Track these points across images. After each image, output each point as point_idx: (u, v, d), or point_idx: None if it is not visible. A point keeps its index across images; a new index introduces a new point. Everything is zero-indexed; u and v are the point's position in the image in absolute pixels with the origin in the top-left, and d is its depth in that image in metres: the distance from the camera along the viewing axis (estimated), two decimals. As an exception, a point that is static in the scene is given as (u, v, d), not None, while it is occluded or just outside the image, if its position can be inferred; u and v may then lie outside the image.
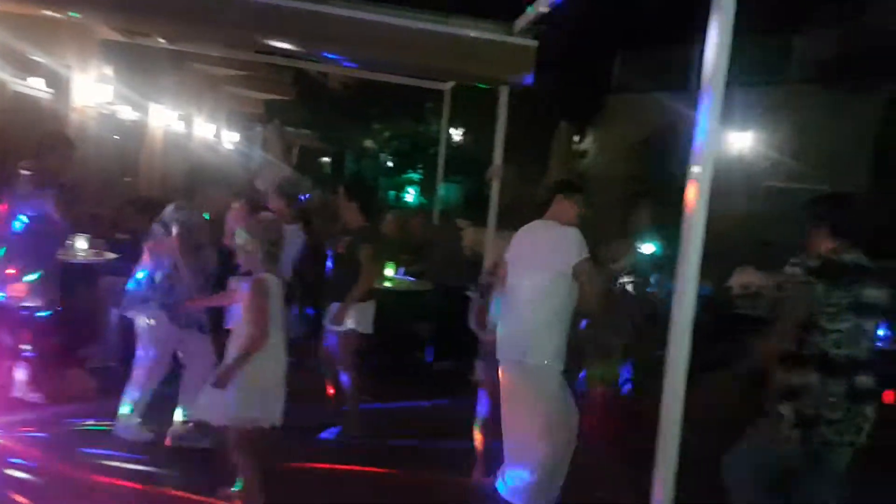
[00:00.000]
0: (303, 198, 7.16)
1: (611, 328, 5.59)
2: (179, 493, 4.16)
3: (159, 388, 4.82)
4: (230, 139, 15.54)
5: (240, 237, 3.88)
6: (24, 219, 4.81)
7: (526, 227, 4.36)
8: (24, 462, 4.29)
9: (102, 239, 6.77)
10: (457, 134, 22.89)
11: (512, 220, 5.42)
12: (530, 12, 5.26)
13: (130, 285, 4.73)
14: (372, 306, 5.27)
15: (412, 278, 7.58)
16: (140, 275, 4.71)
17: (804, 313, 3.42)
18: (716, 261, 3.88)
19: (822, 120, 14.79)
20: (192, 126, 12.61)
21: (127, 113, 9.54)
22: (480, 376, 4.65)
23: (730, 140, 16.07)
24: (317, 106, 21.62)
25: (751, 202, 15.80)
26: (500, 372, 4.23)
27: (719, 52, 2.77)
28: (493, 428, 4.53)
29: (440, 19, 5.65)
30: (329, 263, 5.37)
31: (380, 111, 23.14)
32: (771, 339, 3.58)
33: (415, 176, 24.55)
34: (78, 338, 6.05)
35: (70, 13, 5.86)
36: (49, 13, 5.89)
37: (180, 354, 4.80)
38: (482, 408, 4.69)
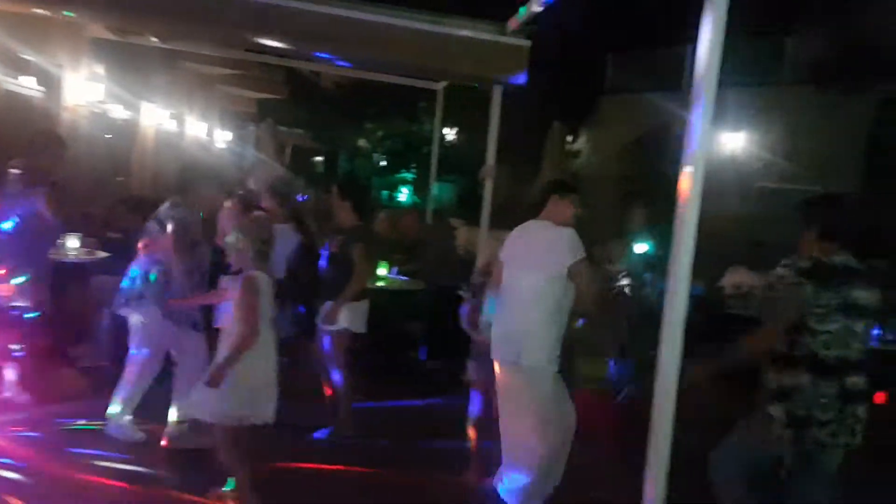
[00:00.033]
0: (301, 198, 7.14)
1: (607, 328, 5.61)
2: (171, 493, 4.15)
3: (151, 386, 4.80)
4: (222, 138, 15.51)
5: (231, 236, 3.88)
6: (15, 218, 4.78)
7: (521, 226, 4.35)
8: (14, 462, 4.27)
9: (94, 238, 6.75)
10: (450, 133, 22.90)
11: (505, 219, 5.42)
12: (523, 12, 5.26)
13: (124, 283, 4.72)
14: (365, 305, 5.26)
15: (405, 278, 7.57)
16: (134, 272, 4.69)
17: (793, 314, 3.43)
18: (708, 261, 3.89)
19: (814, 121, 14.85)
20: (184, 125, 12.58)
21: (118, 112, 9.52)
22: (472, 376, 4.65)
23: (723, 141, 16.13)
24: (310, 105, 21.61)
25: (743, 203, 15.85)
26: (495, 372, 4.23)
27: (711, 53, 2.77)
28: (486, 427, 4.54)
29: (433, 19, 5.65)
30: (323, 263, 5.36)
31: (373, 110, 23.13)
32: (757, 338, 3.60)
33: (408, 175, 24.52)
34: (69, 337, 6.03)
35: (64, 12, 5.84)
36: (40, 12, 5.87)
37: (173, 353, 4.78)
38: (474, 407, 4.69)
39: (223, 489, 3.96)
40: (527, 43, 5.80)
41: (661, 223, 3.90)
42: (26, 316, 4.97)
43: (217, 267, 4.83)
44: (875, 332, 5.61)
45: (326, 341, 5.21)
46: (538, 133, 16.95)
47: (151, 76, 10.37)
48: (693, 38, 2.84)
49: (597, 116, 21.04)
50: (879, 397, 4.41)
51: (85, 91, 8.19)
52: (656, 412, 2.88)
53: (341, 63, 7.72)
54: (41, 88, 7.35)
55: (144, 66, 9.71)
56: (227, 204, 5.26)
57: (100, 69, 8.56)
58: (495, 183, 6.57)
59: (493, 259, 4.53)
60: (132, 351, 4.73)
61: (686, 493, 3.19)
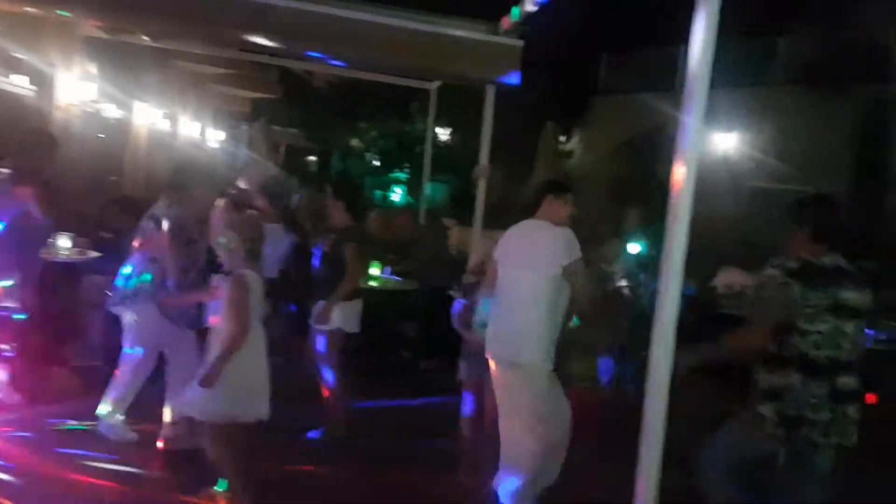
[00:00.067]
0: (298, 198, 7.12)
1: (600, 328, 5.62)
2: (163, 494, 4.14)
3: (143, 385, 4.78)
4: (215, 138, 15.48)
5: (221, 235, 3.89)
6: (2, 221, 4.76)
7: (516, 226, 4.34)
8: (5, 463, 4.24)
9: (86, 238, 6.73)
10: (443, 133, 22.90)
11: (498, 219, 5.43)
12: (516, 13, 5.27)
13: (119, 282, 4.70)
14: (358, 305, 5.26)
15: (398, 277, 7.57)
16: (129, 271, 4.68)
17: (779, 314, 3.45)
18: (700, 261, 3.90)
19: (806, 121, 14.90)
20: (177, 124, 12.55)
21: (111, 111, 9.48)
22: (464, 376, 4.66)
23: (715, 141, 16.17)
24: (303, 105, 21.60)
25: (735, 203, 15.91)
26: (491, 371, 4.22)
27: (703, 53, 2.79)
28: (478, 427, 4.54)
29: (426, 18, 5.66)
30: (315, 262, 5.36)
31: (366, 110, 23.12)
32: (740, 337, 3.63)
33: (401, 175, 24.52)
34: (61, 337, 6.01)
35: (59, 12, 5.82)
36: (32, 10, 5.85)
37: (166, 352, 4.77)
38: (467, 407, 4.69)
39: (215, 489, 3.95)
40: (520, 43, 5.81)
41: (654, 223, 3.91)
42: (15, 317, 4.95)
43: (210, 265, 4.82)
44: (867, 332, 5.64)
45: (319, 341, 5.21)
46: (531, 133, 16.98)
47: (144, 75, 10.34)
48: (686, 39, 2.85)
49: (590, 116, 21.08)
50: (870, 398, 4.43)
51: (77, 90, 8.15)
52: (648, 411, 2.89)
53: (334, 62, 7.72)
54: (33, 87, 7.32)
55: (137, 65, 9.68)
56: (219, 203, 5.25)
57: (92, 68, 8.53)
58: (488, 183, 6.59)
59: (486, 259, 4.54)
60: (126, 350, 4.71)
61: (676, 491, 3.20)
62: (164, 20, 5.75)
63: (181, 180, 4.82)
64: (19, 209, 4.79)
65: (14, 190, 4.78)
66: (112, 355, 4.91)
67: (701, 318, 6.36)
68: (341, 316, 5.12)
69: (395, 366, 7.15)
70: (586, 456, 4.54)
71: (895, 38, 14.72)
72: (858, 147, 14.46)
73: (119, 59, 8.91)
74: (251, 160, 14.34)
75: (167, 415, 4.66)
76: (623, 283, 5.81)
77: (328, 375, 5.21)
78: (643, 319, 3.15)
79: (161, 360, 4.79)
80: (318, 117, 22.68)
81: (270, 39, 5.82)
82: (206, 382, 3.70)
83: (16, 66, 7.05)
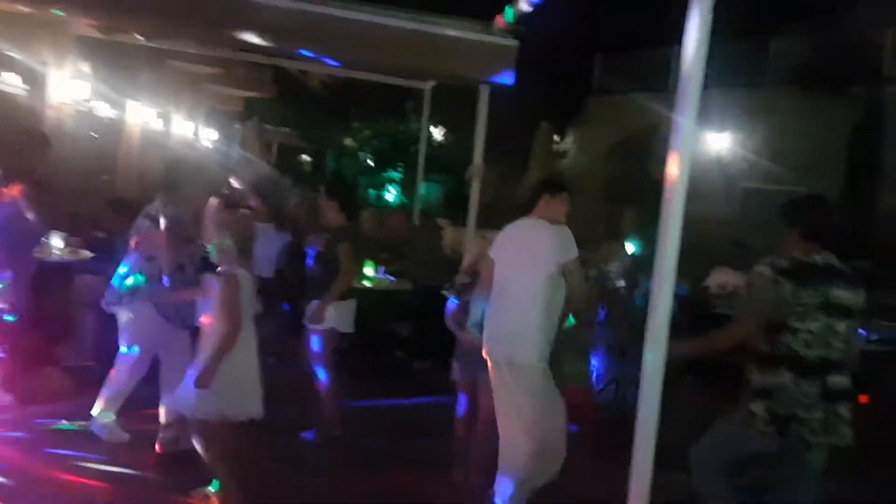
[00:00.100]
0: (296, 199, 7.12)
1: (606, 327, 5.63)
2: (156, 494, 4.13)
3: (136, 386, 4.77)
4: (209, 137, 15.44)
5: (213, 234, 3.90)
6: None
7: (512, 225, 4.34)
8: (-3, 463, 4.24)
9: (79, 237, 6.71)
10: (437, 133, 22.88)
11: (492, 219, 5.43)
12: (510, 13, 5.28)
13: (115, 280, 4.68)
14: (352, 305, 5.26)
15: (392, 277, 7.57)
16: (125, 269, 4.66)
17: (768, 312, 3.46)
18: (693, 261, 3.91)
19: (799, 122, 14.94)
20: (170, 124, 12.51)
21: (104, 110, 9.46)
22: (457, 376, 4.65)
23: (708, 141, 16.20)
24: (297, 104, 21.54)
25: (728, 203, 15.94)
26: (489, 369, 4.22)
27: (696, 53, 2.79)
28: (472, 428, 4.54)
29: (420, 18, 5.65)
30: (309, 262, 5.36)
31: (360, 109, 23.07)
32: (728, 333, 3.64)
33: (395, 175, 24.48)
34: (53, 336, 5.98)
35: (54, 11, 5.80)
36: (25, 9, 5.83)
37: (160, 351, 4.74)
38: (460, 407, 4.69)
39: (208, 489, 3.94)
40: (514, 43, 5.82)
41: (648, 224, 3.92)
42: (6, 318, 4.93)
43: (203, 264, 4.81)
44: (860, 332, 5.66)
45: (313, 341, 5.20)
46: (525, 133, 17.00)
47: (137, 74, 10.31)
48: (680, 39, 2.86)
49: (584, 117, 21.10)
50: (861, 398, 4.45)
51: (70, 89, 8.13)
52: (641, 411, 2.90)
53: (328, 62, 7.71)
54: (25, 86, 7.29)
55: (130, 64, 9.65)
56: (212, 202, 5.24)
57: (85, 67, 8.50)
58: (482, 183, 6.59)
59: (480, 258, 4.53)
60: (122, 349, 4.69)
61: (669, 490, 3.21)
62: (158, 18, 5.73)
63: (176, 179, 4.81)
64: (11, 209, 4.77)
65: (6, 190, 4.76)
66: (104, 355, 4.89)
67: (694, 318, 6.38)
68: (335, 316, 5.12)
69: (388, 366, 7.15)
70: (583, 456, 4.55)
71: (888, 39, 14.79)
72: (851, 148, 14.51)
73: (112, 58, 8.88)
74: (244, 159, 14.32)
75: (163, 417, 4.63)
76: (621, 282, 5.82)
77: (322, 375, 5.20)
78: (641, 319, 3.15)
79: (155, 361, 4.78)
80: (312, 117, 22.62)
81: (264, 38, 5.81)
82: (202, 383, 3.70)
83: (8, 65, 7.03)
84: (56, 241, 6.23)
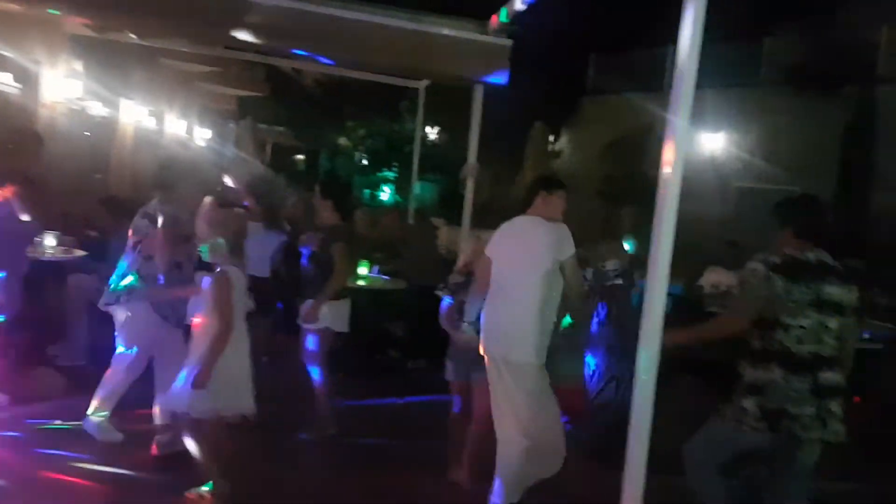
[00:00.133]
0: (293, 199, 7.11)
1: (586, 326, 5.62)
2: (150, 493, 4.12)
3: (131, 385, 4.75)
4: (202, 136, 15.41)
5: (205, 233, 3.91)
6: None
7: (509, 222, 4.33)
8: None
9: (72, 236, 6.69)
10: (432, 132, 22.88)
11: (486, 219, 5.43)
12: (505, 12, 5.28)
13: (113, 280, 4.66)
14: (346, 304, 5.26)
15: (386, 277, 7.57)
16: (122, 269, 4.64)
17: (759, 306, 3.48)
18: (687, 260, 3.92)
19: (793, 122, 14.99)
20: (163, 123, 12.49)
21: (97, 109, 9.43)
22: (451, 376, 4.65)
23: (702, 141, 16.23)
24: (290, 103, 21.53)
25: (722, 203, 15.99)
26: (486, 367, 4.22)
27: (690, 53, 2.80)
28: (465, 428, 4.54)
29: (415, 17, 5.65)
30: (304, 261, 5.35)
31: (354, 109, 23.06)
32: (717, 324, 3.67)
33: (390, 174, 24.48)
34: (46, 336, 5.97)
35: (50, 10, 5.78)
36: (17, 7, 5.81)
37: (155, 351, 4.72)
38: (454, 407, 4.69)
39: (202, 489, 3.94)
40: (508, 42, 5.82)
41: (643, 223, 3.93)
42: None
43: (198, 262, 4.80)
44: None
45: (307, 340, 5.20)
46: (520, 133, 17.02)
47: (130, 73, 10.29)
48: (674, 40, 2.86)
49: (578, 116, 21.13)
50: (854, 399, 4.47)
51: (63, 88, 8.09)
52: (635, 410, 2.91)
53: (322, 60, 7.71)
54: (18, 85, 7.26)
55: (123, 62, 9.62)
56: (206, 201, 5.23)
57: (78, 66, 8.47)
58: (477, 182, 6.59)
59: (475, 257, 4.53)
60: (120, 349, 4.67)
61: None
62: (151, 17, 5.72)
63: (173, 178, 4.80)
64: (4, 208, 4.74)
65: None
66: (97, 355, 4.87)
67: (687, 317, 6.39)
68: (329, 315, 5.12)
69: (382, 365, 7.15)
70: (579, 455, 4.56)
71: (881, 39, 14.84)
72: (845, 148, 14.56)
73: (105, 57, 8.86)
74: (238, 158, 14.31)
75: (159, 419, 4.61)
76: (619, 281, 5.82)
77: (316, 374, 5.20)
78: (639, 318, 3.17)
79: (149, 360, 4.76)
80: (306, 116, 22.61)
81: (258, 37, 5.80)
82: (199, 383, 3.72)
83: (0, 64, 6.99)
84: (49, 241, 6.21)
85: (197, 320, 3.95)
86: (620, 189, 15.45)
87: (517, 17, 5.63)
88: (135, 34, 7.60)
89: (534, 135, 17.22)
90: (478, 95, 6.40)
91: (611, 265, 5.64)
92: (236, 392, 3.85)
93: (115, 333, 4.67)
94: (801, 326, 3.45)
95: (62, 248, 6.37)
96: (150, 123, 11.72)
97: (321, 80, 21.41)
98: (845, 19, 15.15)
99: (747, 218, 12.74)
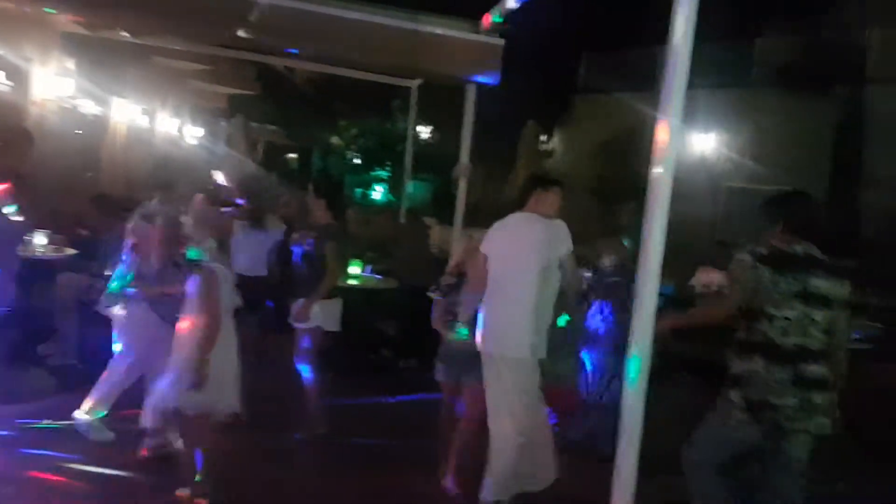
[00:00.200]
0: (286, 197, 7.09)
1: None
2: (139, 493, 4.11)
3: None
4: (194, 134, 15.36)
5: (193, 230, 3.93)
6: None
7: (505, 220, 4.34)
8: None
9: (63, 235, 6.66)
10: (424, 131, 22.86)
11: (479, 218, 5.42)
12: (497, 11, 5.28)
13: (113, 284, 4.63)
14: (338, 304, 5.25)
15: (378, 276, 7.57)
16: (122, 269, 4.62)
17: (745, 295, 3.51)
18: (678, 260, 3.94)
19: (783, 122, 15.04)
20: (155, 121, 12.44)
21: (89, 107, 9.39)
22: (441, 377, 4.65)
23: (693, 141, 16.27)
24: (282, 101, 21.46)
25: (713, 203, 16.03)
26: (483, 364, 4.22)
27: (681, 53, 2.81)
28: (455, 428, 4.54)
29: (407, 16, 5.65)
30: (296, 260, 5.34)
31: (346, 107, 23.03)
32: (704, 310, 3.71)
33: (382, 173, 24.46)
34: (37, 335, 5.94)
35: (46, 9, 5.75)
36: (8, 4, 5.78)
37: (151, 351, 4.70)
38: (444, 408, 4.69)
39: (191, 488, 3.93)
40: (500, 41, 5.82)
41: (635, 223, 3.94)
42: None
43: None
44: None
45: (298, 339, 5.19)
46: (512, 132, 17.04)
47: (122, 71, 10.24)
48: (666, 39, 2.87)
49: (570, 116, 21.15)
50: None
51: (54, 86, 8.06)
52: (626, 411, 2.91)
53: (314, 59, 7.71)
54: (9, 83, 7.23)
55: (115, 61, 9.58)
56: (197, 199, 5.22)
57: (70, 64, 8.43)
58: (469, 182, 6.59)
59: (468, 257, 4.54)
60: (120, 351, 4.65)
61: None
62: (145, 15, 5.71)
63: (170, 178, 4.80)
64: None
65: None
66: (88, 354, 4.85)
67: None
68: (321, 314, 5.11)
69: (374, 364, 7.14)
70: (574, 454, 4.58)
71: (872, 39, 14.90)
72: (836, 148, 14.62)
73: (97, 55, 8.81)
74: (230, 157, 14.28)
75: (149, 420, 4.58)
76: (616, 279, 5.83)
77: (307, 373, 5.20)
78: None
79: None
80: (298, 114, 22.54)
81: (250, 35, 5.79)
82: (197, 381, 3.74)
83: (-9, 61, 6.97)
84: (39, 239, 6.18)
85: (183, 323, 3.94)
86: (612, 188, 15.46)
87: (509, 16, 5.64)
88: (127, 32, 7.56)
89: (526, 134, 17.25)
90: (470, 94, 6.40)
91: (608, 262, 5.65)
92: (223, 389, 3.86)
93: (114, 333, 4.66)
94: (787, 318, 3.49)
95: (53, 246, 6.35)
96: (141, 122, 11.68)
97: (313, 78, 21.35)
98: (836, 20, 15.21)
99: (738, 218, 12.79)
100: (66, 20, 7.49)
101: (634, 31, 16.21)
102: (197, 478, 3.91)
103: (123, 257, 4.65)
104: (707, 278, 7.23)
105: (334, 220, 5.33)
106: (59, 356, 5.95)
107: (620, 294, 5.80)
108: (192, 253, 3.94)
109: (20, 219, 4.81)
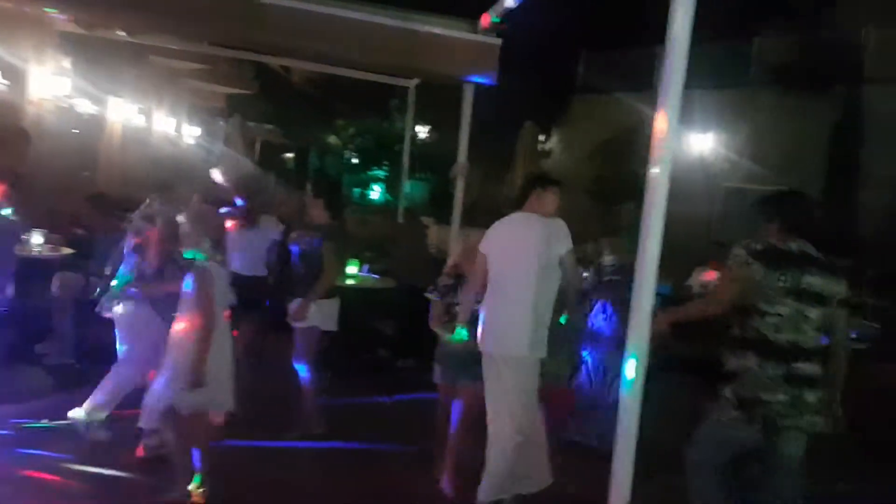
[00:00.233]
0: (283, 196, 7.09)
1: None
2: (137, 492, 4.11)
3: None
4: (191, 134, 15.35)
5: (188, 229, 3.93)
6: None
7: (505, 219, 4.34)
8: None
9: (59, 234, 6.65)
10: (422, 131, 22.86)
11: (476, 218, 5.42)
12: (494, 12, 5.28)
13: (116, 284, 4.62)
14: (335, 303, 5.25)
15: (376, 276, 7.56)
16: (123, 270, 4.61)
17: (740, 290, 3.52)
18: (675, 260, 3.94)
19: (781, 122, 15.05)
20: (151, 120, 12.43)
21: (85, 106, 9.37)
22: (438, 379, 4.64)
23: (691, 141, 16.29)
24: (280, 101, 21.45)
25: (711, 203, 16.05)
26: (483, 363, 4.22)
27: (679, 53, 2.81)
28: (451, 429, 4.53)
29: (405, 16, 5.65)
30: (294, 259, 5.34)
31: (344, 107, 23.02)
32: (699, 304, 3.71)
33: (380, 173, 24.46)
34: (33, 334, 5.93)
35: (46, 9, 5.74)
36: (5, 4, 5.77)
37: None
38: (441, 410, 4.69)
39: (188, 487, 3.93)
40: (498, 41, 5.82)
41: (633, 223, 3.94)
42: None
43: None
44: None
45: (295, 338, 5.19)
46: (510, 132, 17.01)
47: (119, 70, 10.23)
48: (663, 39, 2.87)
49: (568, 116, 21.16)
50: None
51: (51, 85, 8.04)
52: (622, 409, 2.91)
53: (312, 59, 7.70)
54: (6, 82, 7.21)
55: (112, 60, 9.56)
56: (194, 199, 5.21)
57: (66, 63, 8.42)
58: (467, 181, 6.59)
59: (464, 258, 4.54)
60: (124, 352, 4.63)
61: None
62: (142, 14, 5.70)
63: (171, 178, 4.79)
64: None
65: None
66: (84, 353, 4.84)
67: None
68: (318, 314, 5.11)
69: (371, 364, 7.14)
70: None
71: (869, 39, 14.92)
72: (833, 147, 14.64)
73: (93, 54, 8.80)
74: (227, 156, 14.25)
75: (147, 421, 4.57)
76: (616, 277, 5.84)
77: (304, 373, 5.19)
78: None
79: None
80: (295, 114, 22.53)
81: (247, 35, 5.78)
82: (196, 381, 3.75)
83: (-12, 61, 6.95)
84: (36, 238, 6.17)
85: (178, 323, 3.94)
86: (610, 188, 15.46)
87: (507, 16, 5.64)
88: (124, 31, 7.55)
89: (524, 133, 17.20)
90: (468, 94, 6.39)
91: (608, 261, 5.66)
92: (218, 388, 3.86)
93: (116, 334, 4.65)
94: (779, 314, 3.49)
95: (49, 245, 6.34)
96: (138, 121, 11.67)
97: (311, 78, 21.35)
98: (834, 20, 15.24)
99: (735, 218, 12.78)
100: (63, 20, 7.49)
101: (632, 31, 16.22)
102: (196, 477, 3.90)
103: (125, 257, 4.65)
104: (704, 278, 7.25)
105: (332, 220, 5.32)
106: (56, 355, 5.94)
107: (620, 293, 5.81)
108: (188, 252, 3.94)
109: (17, 218, 4.81)
